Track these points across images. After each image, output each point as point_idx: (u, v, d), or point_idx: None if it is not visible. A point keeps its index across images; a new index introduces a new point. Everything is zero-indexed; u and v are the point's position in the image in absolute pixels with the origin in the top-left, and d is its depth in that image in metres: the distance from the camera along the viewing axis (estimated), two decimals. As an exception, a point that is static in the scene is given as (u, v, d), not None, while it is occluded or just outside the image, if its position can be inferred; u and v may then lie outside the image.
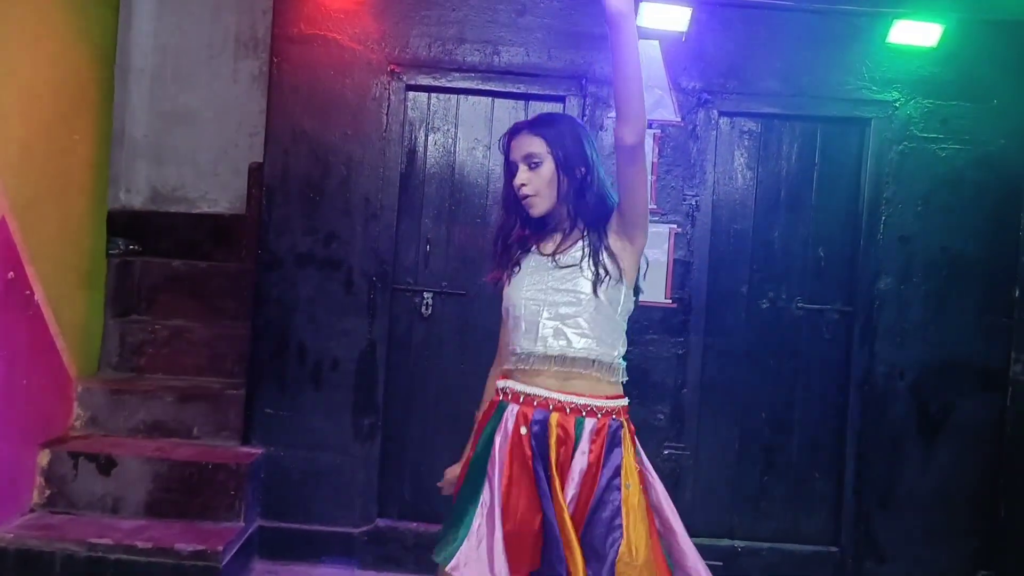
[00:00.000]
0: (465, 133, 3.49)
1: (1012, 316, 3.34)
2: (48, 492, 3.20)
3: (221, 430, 3.49)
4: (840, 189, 3.48)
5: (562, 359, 1.77)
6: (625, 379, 1.85)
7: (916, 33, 3.33)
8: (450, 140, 3.50)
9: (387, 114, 3.42)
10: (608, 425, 1.75)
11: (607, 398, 1.79)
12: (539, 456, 1.74)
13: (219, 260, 4.01)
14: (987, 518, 3.40)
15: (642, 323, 3.42)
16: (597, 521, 1.70)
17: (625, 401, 1.83)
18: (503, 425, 1.79)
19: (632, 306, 1.86)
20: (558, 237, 1.86)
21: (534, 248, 1.88)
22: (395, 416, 3.47)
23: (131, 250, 3.98)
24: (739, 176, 3.49)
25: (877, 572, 3.43)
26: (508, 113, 3.48)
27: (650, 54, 3.38)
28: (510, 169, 1.87)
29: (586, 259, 1.78)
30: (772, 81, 3.44)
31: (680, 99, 3.41)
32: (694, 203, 3.43)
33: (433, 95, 3.48)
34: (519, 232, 1.91)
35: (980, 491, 3.42)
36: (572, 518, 1.69)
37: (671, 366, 3.45)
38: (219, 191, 4.34)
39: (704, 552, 3.38)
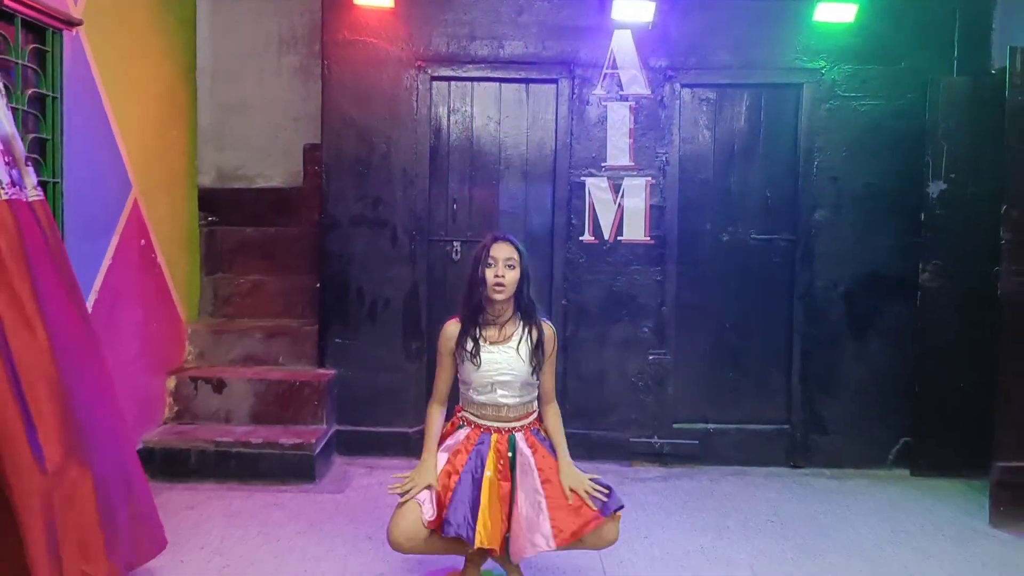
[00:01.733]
0: (479, 112, 4.36)
1: (920, 235, 4.19)
2: (176, 408, 4.17)
3: (300, 358, 4.44)
4: (782, 142, 4.33)
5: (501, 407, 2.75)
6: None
7: (836, 12, 4.16)
8: (467, 119, 4.36)
9: (416, 100, 4.29)
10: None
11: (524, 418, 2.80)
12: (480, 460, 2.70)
13: (282, 226, 4.89)
14: (906, 396, 4.29)
15: (628, 257, 4.32)
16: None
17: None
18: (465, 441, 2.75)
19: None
20: (503, 330, 2.75)
21: (484, 341, 2.73)
22: (435, 340, 4.37)
23: (211, 221, 4.87)
24: (700, 136, 4.35)
25: (821, 442, 4.35)
26: (513, 95, 4.34)
27: (624, 41, 4.23)
28: (487, 262, 2.68)
29: (522, 347, 2.73)
30: (725, 56, 4.28)
31: (649, 76, 4.26)
32: (664, 159, 4.29)
33: (452, 83, 4.34)
34: (475, 317, 2.74)
35: (901, 375, 4.30)
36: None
37: (652, 290, 4.34)
38: (272, 169, 5.14)
39: (684, 434, 4.37)
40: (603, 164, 4.30)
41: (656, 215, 4.31)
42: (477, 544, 2.52)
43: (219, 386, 4.16)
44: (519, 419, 2.76)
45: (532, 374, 2.73)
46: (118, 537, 2.58)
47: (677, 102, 4.28)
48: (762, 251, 4.38)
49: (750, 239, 4.37)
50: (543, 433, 2.81)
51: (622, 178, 4.29)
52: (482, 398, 2.73)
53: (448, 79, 4.32)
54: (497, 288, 2.68)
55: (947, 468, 4.18)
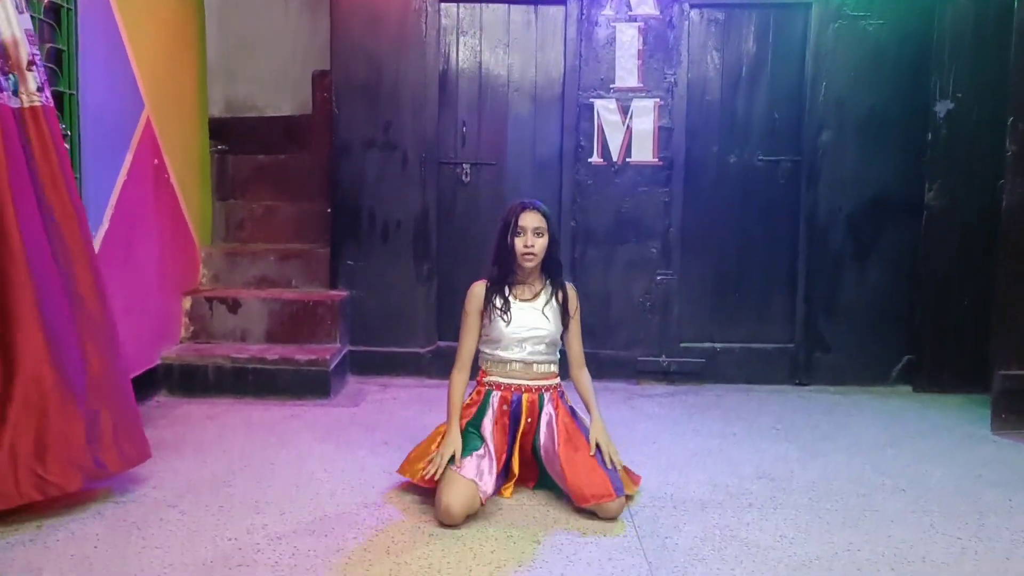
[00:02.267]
0: (488, 35, 4.37)
1: (926, 155, 4.23)
2: (192, 328, 4.26)
3: (313, 280, 4.52)
4: (790, 63, 4.35)
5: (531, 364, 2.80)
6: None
7: (846, -70, 4.15)
8: (476, 42, 4.38)
9: (425, 24, 4.30)
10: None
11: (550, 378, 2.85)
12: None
13: (293, 153, 4.94)
14: (909, 316, 4.37)
15: (636, 179, 4.37)
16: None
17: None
18: (491, 405, 2.78)
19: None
20: (531, 288, 2.82)
21: (514, 297, 2.78)
22: (446, 261, 4.47)
23: (221, 149, 4.92)
24: (708, 57, 4.37)
25: (824, 360, 4.44)
26: (521, 16, 4.35)
27: (633, -39, 4.22)
28: (516, 232, 2.72)
29: (549, 307, 2.81)
30: (733, -23, 4.28)
31: (658, -4, 4.27)
32: (672, 80, 4.32)
33: (461, 5, 4.35)
34: (504, 280, 2.79)
35: (903, 296, 4.38)
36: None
37: (659, 211, 4.40)
38: (281, 101, 5.18)
39: (690, 353, 4.44)
40: (612, 86, 4.33)
41: (664, 137, 4.34)
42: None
43: (234, 306, 4.25)
44: (547, 378, 2.81)
45: (559, 333, 2.81)
46: (91, 443, 2.56)
47: (686, 23, 4.28)
48: (768, 173, 4.42)
49: (756, 161, 4.41)
50: (567, 398, 2.88)
51: (630, 100, 4.32)
52: (512, 355, 2.77)
53: (457, 1, 4.33)
54: (527, 257, 2.73)
55: (949, 384, 4.27)
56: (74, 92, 3.18)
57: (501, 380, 2.80)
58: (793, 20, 4.32)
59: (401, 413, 3.85)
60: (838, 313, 4.42)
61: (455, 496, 2.51)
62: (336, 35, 4.34)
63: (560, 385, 2.87)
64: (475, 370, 2.88)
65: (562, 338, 2.87)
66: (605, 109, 4.32)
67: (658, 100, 4.32)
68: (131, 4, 3.64)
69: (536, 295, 2.82)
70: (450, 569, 2.24)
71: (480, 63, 4.39)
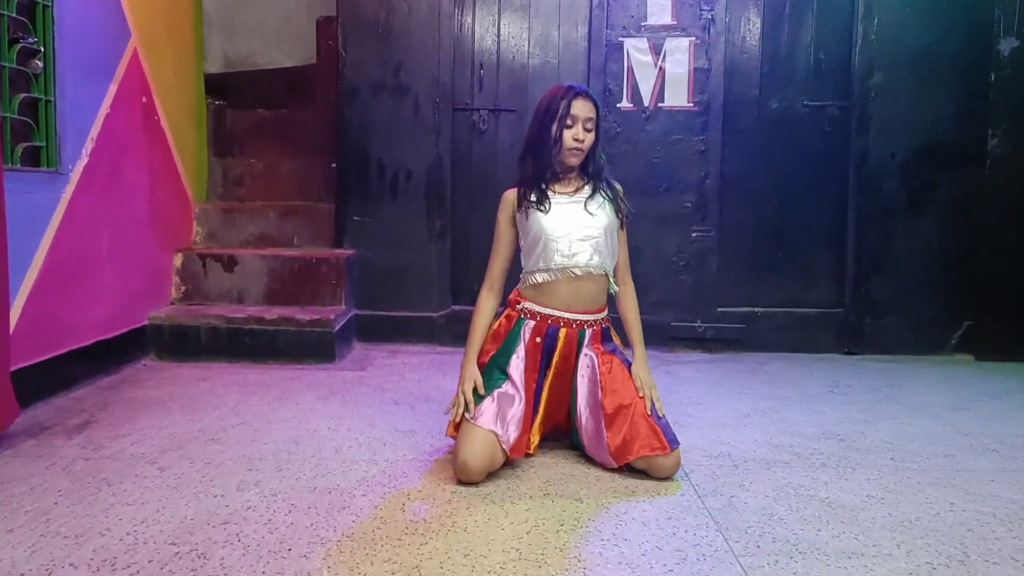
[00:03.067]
0: (507, -31, 4.01)
1: (988, 98, 3.85)
2: (184, 288, 3.89)
3: (317, 238, 4.15)
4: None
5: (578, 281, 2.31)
6: (615, 290, 2.42)
7: None
8: (494, -24, 4.02)
9: (439, -44, 3.94)
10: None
11: (597, 312, 2.37)
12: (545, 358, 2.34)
13: (296, 107, 4.58)
14: (970, 276, 3.98)
15: (668, 125, 4.00)
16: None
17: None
18: (522, 336, 2.33)
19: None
20: (573, 184, 2.36)
21: (553, 190, 2.33)
22: (462, 217, 4.10)
23: (219, 105, 4.56)
24: (748, -8, 4.00)
25: (876, 327, 4.05)
26: (544, -52, 3.98)
27: None
28: (564, 122, 2.26)
29: (594, 202, 2.33)
30: (775, -95, 3.91)
31: (694, -76, 3.90)
32: (710, 17, 3.95)
33: (478, -64, 3.99)
34: (541, 174, 2.33)
35: (964, 253, 3.99)
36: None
37: (694, 161, 4.02)
38: (284, 56, 4.83)
39: (728, 318, 4.07)
40: (643, 23, 3.96)
41: (700, 79, 3.97)
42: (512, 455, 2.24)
43: (230, 264, 3.88)
44: (590, 310, 2.33)
45: (611, 230, 2.33)
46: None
47: (724, -47, 3.92)
48: (813, 120, 4.04)
49: (800, 107, 4.03)
50: (613, 338, 2.40)
51: (663, 38, 3.95)
52: (556, 265, 2.28)
53: (473, -69, 3.97)
54: (575, 152, 2.29)
55: (1017, 352, 3.88)
56: (48, 3, 2.82)
57: (536, 309, 2.33)
58: (841, -49, 3.95)
59: (412, 375, 3.47)
60: (891, 273, 4.03)
61: (471, 450, 2.13)
62: (342, -30, 3.99)
63: (606, 320, 2.39)
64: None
65: None
66: (636, 49, 3.95)
67: (694, 39, 3.95)
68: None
69: (578, 189, 2.36)
70: (478, 528, 1.86)
71: (499, 1, 4.02)
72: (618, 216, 2.36)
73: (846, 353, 4.05)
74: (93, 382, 3.16)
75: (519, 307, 2.37)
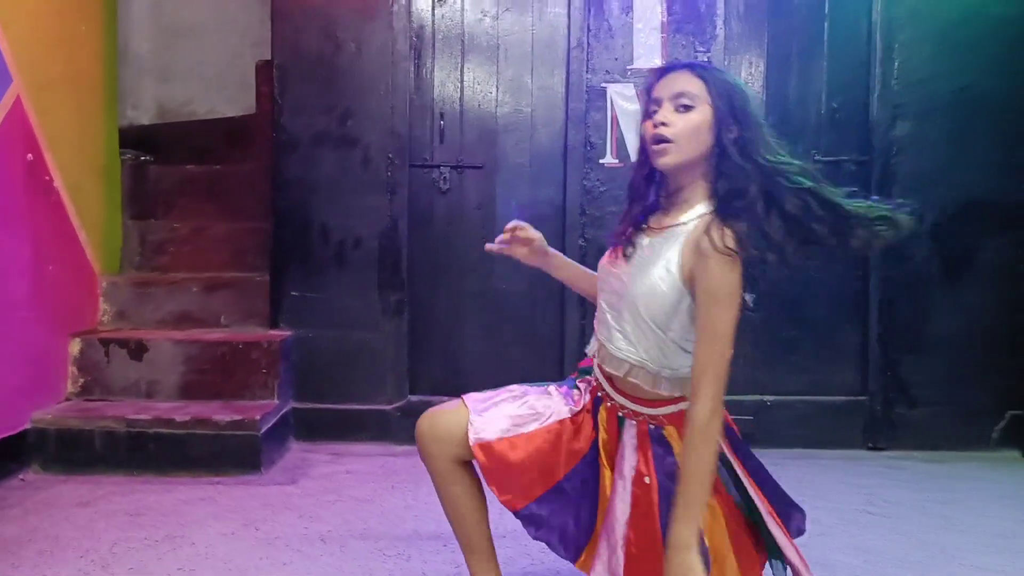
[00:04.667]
0: (472, 4, 3.46)
1: (1035, 150, 3.32)
2: (82, 380, 3.22)
3: (248, 317, 3.51)
4: (852, 37, 3.44)
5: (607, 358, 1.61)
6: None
7: None
8: (457, 12, 3.46)
9: (393, -11, 3.39)
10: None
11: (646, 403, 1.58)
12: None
13: (233, 162, 3.99)
14: (1014, 356, 3.41)
15: (661, 184, 3.42)
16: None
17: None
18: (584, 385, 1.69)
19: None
20: (676, 214, 1.54)
21: (649, 225, 1.58)
22: (421, 292, 3.48)
23: (143, 160, 3.96)
24: (750, 30, 3.46)
25: (908, 416, 3.44)
26: (514, -19, 3.45)
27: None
28: (649, 110, 1.54)
29: (673, 252, 1.49)
30: (779, -70, 3.40)
31: (688, -46, 3.38)
32: (706, 59, 3.40)
33: (438, -34, 3.45)
34: (642, 197, 1.62)
35: (1008, 330, 3.42)
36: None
37: (692, 225, 3.44)
38: (227, 104, 4.28)
39: (735, 409, 3.41)
40: (629, 67, 3.41)
41: (697, 130, 3.40)
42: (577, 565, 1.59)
43: (138, 351, 3.22)
44: (635, 398, 1.57)
45: (672, 307, 1.48)
46: None
47: (722, -13, 3.39)
48: (827, 176, 3.37)
49: (812, 161, 3.46)
50: (672, 449, 1.56)
51: (653, 83, 3.39)
52: (598, 329, 1.64)
53: (432, -39, 3.43)
54: (657, 145, 1.49)
55: (1073, 446, 3.29)
56: None
57: (594, 367, 1.66)
58: (856, -17, 3.44)
59: (353, 492, 2.81)
60: (924, 354, 3.44)
61: (426, 413, 1.68)
62: None
63: (664, 418, 1.56)
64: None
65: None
66: (621, 96, 3.39)
67: (689, 84, 3.39)
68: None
69: (669, 227, 1.53)
70: None
71: (463, 39, 3.47)
72: (677, 292, 1.48)
73: (871, 449, 3.43)
74: (-60, 512, 2.48)
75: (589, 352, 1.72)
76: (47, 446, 2.94)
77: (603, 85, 3.41)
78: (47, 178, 3.08)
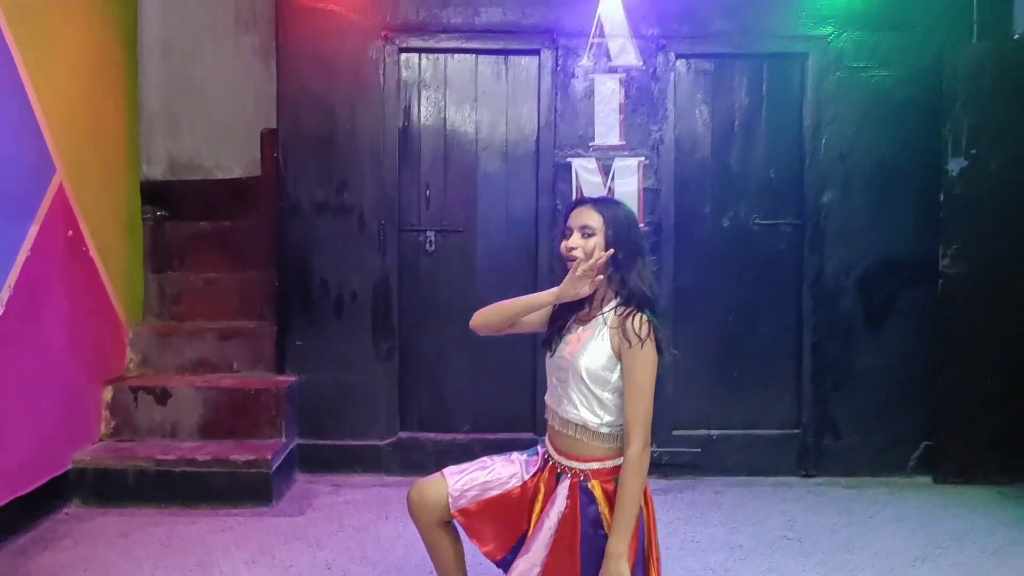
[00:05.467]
0: (453, 88, 3.94)
1: (939, 217, 3.82)
2: (113, 423, 3.69)
3: (257, 363, 3.98)
4: (786, 116, 3.94)
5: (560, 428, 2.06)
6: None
7: (844, -27, 3.79)
8: (440, 95, 3.94)
9: (383, 74, 3.86)
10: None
11: (580, 459, 2.01)
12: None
13: (241, 219, 4.42)
14: (927, 394, 3.90)
15: (619, 245, 3.90)
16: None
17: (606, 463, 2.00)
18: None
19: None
20: (594, 310, 2.03)
21: (573, 319, 2.07)
22: (410, 339, 3.96)
23: (159, 216, 4.40)
24: (697, 111, 3.95)
25: (835, 446, 3.95)
26: (491, 68, 3.92)
27: (612, 6, 3.82)
28: (564, 234, 2.06)
29: (601, 334, 1.97)
30: (722, 23, 3.88)
31: (641, 45, 3.85)
32: (658, 137, 3.89)
33: (423, 55, 3.92)
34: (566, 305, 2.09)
35: (922, 370, 3.91)
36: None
37: (647, 281, 3.92)
38: (232, 158, 4.66)
39: (685, 441, 3.96)
40: (591, 143, 3.90)
41: (650, 199, 3.90)
42: None
43: (163, 396, 3.69)
44: (572, 455, 2.01)
45: (605, 374, 1.95)
46: None
47: (671, 74, 3.88)
48: (766, 237, 3.98)
49: (753, 224, 3.97)
50: (600, 504, 1.97)
51: (612, 158, 3.88)
52: (548, 397, 2.13)
53: (418, 51, 3.90)
54: (568, 263, 2.01)
55: (974, 474, 3.80)
56: (-44, 157, 2.69)
57: (546, 443, 2.14)
58: (788, 71, 3.93)
59: (352, 521, 3.29)
60: (849, 391, 3.94)
61: (415, 486, 2.14)
62: (284, 83, 3.89)
63: (591, 473, 1.98)
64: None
65: None
66: (584, 169, 3.88)
67: (642, 159, 3.88)
68: (42, 55, 3.18)
69: (591, 318, 2.03)
70: None
71: (445, 119, 3.94)
72: (606, 360, 1.95)
73: (804, 476, 3.94)
74: (6, 544, 2.95)
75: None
76: (87, 483, 3.41)
77: (568, 159, 3.89)
78: (83, 249, 3.55)
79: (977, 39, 3.85)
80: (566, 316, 2.09)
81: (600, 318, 2.00)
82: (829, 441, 3.95)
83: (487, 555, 2.09)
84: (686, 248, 3.94)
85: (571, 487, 2.00)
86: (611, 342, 1.95)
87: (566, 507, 1.99)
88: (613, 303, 2.01)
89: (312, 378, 3.90)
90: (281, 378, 3.86)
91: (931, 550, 3.03)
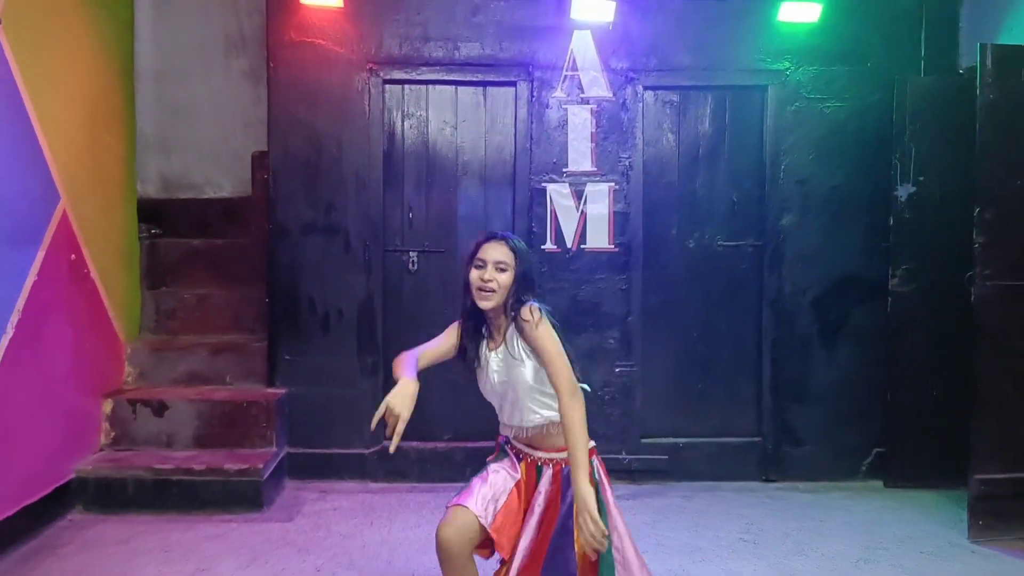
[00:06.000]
0: (435, 116, 4.17)
1: (889, 240, 4.08)
2: (113, 434, 3.89)
3: (249, 376, 4.19)
4: (747, 144, 4.20)
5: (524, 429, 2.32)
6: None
7: (800, 11, 4.06)
8: (422, 123, 4.17)
9: (368, 104, 4.08)
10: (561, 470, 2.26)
11: (558, 450, 2.27)
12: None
13: (231, 237, 4.63)
14: (879, 404, 4.16)
15: (592, 265, 4.15)
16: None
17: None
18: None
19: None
20: (500, 335, 2.31)
21: (485, 344, 2.35)
22: (393, 353, 4.06)
23: (153, 233, 4.60)
24: (664, 139, 4.20)
25: (793, 454, 4.21)
26: (470, 98, 4.16)
27: (584, 42, 4.07)
28: (476, 263, 2.29)
29: (513, 347, 2.28)
30: (687, 57, 4.14)
31: (611, 78, 4.10)
32: (628, 163, 4.14)
33: (406, 86, 4.14)
34: (477, 322, 2.35)
35: (874, 382, 4.18)
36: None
37: (618, 299, 4.17)
38: (222, 176, 4.86)
39: (653, 449, 4.20)
40: (564, 169, 4.14)
41: (620, 221, 4.14)
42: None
43: (159, 409, 3.90)
44: (547, 448, 2.29)
45: (534, 375, 2.25)
46: None
47: (640, 104, 4.13)
48: (729, 257, 4.24)
49: (716, 245, 4.23)
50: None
51: (584, 184, 4.13)
52: (504, 418, 2.37)
53: (401, 82, 4.13)
54: (483, 294, 2.27)
55: (921, 478, 4.07)
56: (-30, 190, 2.89)
57: (516, 445, 2.38)
58: (750, 102, 4.19)
59: (339, 527, 3.51)
60: (807, 401, 4.21)
61: (444, 525, 2.22)
62: (274, 111, 4.11)
63: (567, 460, 2.22)
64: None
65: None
66: (558, 194, 4.12)
67: (613, 184, 4.13)
68: (45, 85, 3.38)
69: (502, 343, 2.32)
70: None
71: (427, 145, 4.17)
72: (523, 359, 2.26)
73: (766, 481, 4.20)
74: (12, 551, 3.15)
75: (502, 443, 2.43)
76: (88, 491, 3.61)
77: (543, 185, 4.13)
78: (85, 271, 3.75)
79: (925, 73, 4.13)
80: (476, 347, 2.36)
81: (508, 335, 2.29)
82: (788, 449, 4.21)
83: (503, 554, 2.28)
84: (654, 268, 4.19)
85: (554, 475, 2.26)
86: (521, 345, 2.25)
87: (550, 491, 2.26)
88: (508, 319, 2.30)
89: (301, 390, 4.12)
90: (271, 390, 4.08)
91: (874, 552, 3.29)
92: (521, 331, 2.23)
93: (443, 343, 2.44)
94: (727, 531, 3.51)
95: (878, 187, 4.13)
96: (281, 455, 4.00)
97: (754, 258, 4.23)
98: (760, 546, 3.35)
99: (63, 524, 3.48)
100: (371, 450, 4.13)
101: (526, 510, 2.30)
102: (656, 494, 3.99)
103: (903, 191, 4.03)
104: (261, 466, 3.69)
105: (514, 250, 2.31)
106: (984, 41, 3.48)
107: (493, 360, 2.33)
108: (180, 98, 4.88)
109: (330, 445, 4.13)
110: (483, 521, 2.23)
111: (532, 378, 2.26)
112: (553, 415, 2.25)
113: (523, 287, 2.28)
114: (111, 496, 3.62)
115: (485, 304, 2.28)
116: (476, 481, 2.35)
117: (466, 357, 2.40)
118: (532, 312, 2.20)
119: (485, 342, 2.37)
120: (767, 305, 4.20)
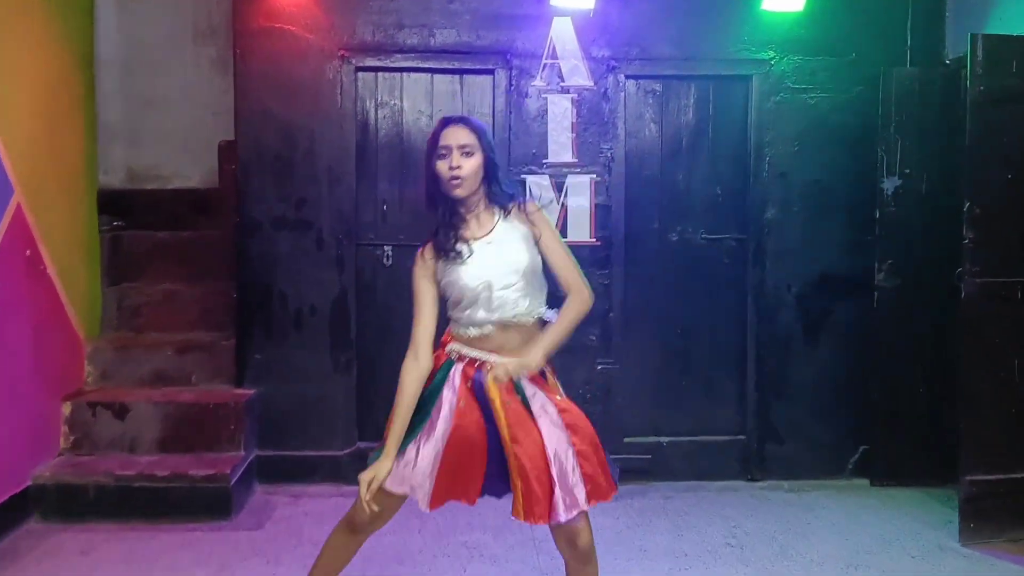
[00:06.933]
0: (410, 106, 4.02)
1: (874, 233, 4.01)
2: (73, 438, 3.72)
3: (216, 376, 4.03)
4: (731, 136, 4.10)
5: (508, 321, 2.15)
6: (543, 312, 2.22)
7: (785, 0, 3.94)
8: (397, 113, 4.02)
9: (340, 94, 3.93)
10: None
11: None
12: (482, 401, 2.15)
13: (199, 228, 4.45)
14: (864, 401, 4.09)
15: (572, 260, 4.03)
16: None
17: None
18: (451, 379, 2.19)
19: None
20: (485, 223, 2.19)
21: (465, 237, 2.17)
22: (367, 352, 4.05)
23: (116, 226, 4.40)
24: (646, 130, 4.09)
25: (777, 452, 4.14)
26: (446, 87, 4.01)
27: (564, 29, 3.94)
28: (439, 154, 2.14)
29: (509, 235, 2.17)
30: (670, 46, 4.02)
31: (591, 66, 3.98)
32: (609, 155, 4.02)
33: (380, 74, 3.99)
34: (448, 220, 2.19)
35: (858, 378, 4.11)
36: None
37: (599, 294, 3.98)
38: (191, 167, 4.66)
39: (635, 448, 4.11)
40: (544, 160, 4.01)
41: (601, 214, 4.03)
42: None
43: (121, 411, 3.73)
44: (508, 354, 2.14)
45: (534, 262, 2.16)
46: None
47: (621, 94, 4.01)
48: (712, 251, 4.14)
49: (699, 238, 4.13)
50: (549, 376, 2.23)
51: (565, 175, 4.00)
52: (484, 315, 2.14)
53: (375, 70, 3.97)
54: (454, 183, 2.12)
55: (907, 477, 4.01)
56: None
57: (465, 351, 2.19)
58: (733, 92, 4.08)
59: (311, 535, 3.37)
60: (790, 398, 4.13)
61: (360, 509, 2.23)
62: (241, 102, 3.94)
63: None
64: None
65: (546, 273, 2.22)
66: (537, 186, 4.00)
67: (594, 176, 4.01)
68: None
69: (491, 230, 2.18)
70: None
71: (401, 135, 4.03)
72: (528, 244, 2.17)
73: (750, 480, 4.12)
74: (-36, 564, 2.99)
75: (448, 349, 2.24)
76: (47, 499, 3.45)
77: (522, 176, 4.00)
78: (42, 267, 3.57)
79: (910, 64, 4.05)
80: (453, 243, 2.16)
81: (501, 225, 2.19)
82: (772, 447, 4.14)
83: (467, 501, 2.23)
84: (636, 262, 4.08)
85: (531, 378, 2.17)
86: (523, 233, 2.18)
87: (539, 393, 2.18)
88: (497, 210, 2.21)
89: (271, 391, 3.97)
90: (240, 391, 3.92)
91: (861, 556, 3.22)
92: (530, 219, 2.20)
93: (426, 312, 2.24)
94: (711, 534, 3.42)
95: (863, 180, 4.04)
96: (250, 459, 3.85)
97: (737, 252, 4.14)
98: (745, 550, 3.27)
99: (20, 534, 3.32)
100: (345, 451, 3.99)
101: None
102: (638, 495, 3.90)
103: (889, 184, 3.96)
104: (229, 471, 3.55)
105: (476, 130, 2.18)
106: (970, 31, 3.39)
107: (482, 248, 2.16)
108: (146, 87, 4.68)
109: (302, 447, 3.99)
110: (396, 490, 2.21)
111: (530, 261, 2.16)
112: (540, 308, 2.19)
113: (493, 167, 2.20)
114: (71, 504, 3.45)
115: (460, 192, 2.15)
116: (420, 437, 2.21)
117: (443, 259, 2.19)
118: (531, 205, 2.23)
119: (464, 234, 2.19)
120: (750, 300, 4.11)
